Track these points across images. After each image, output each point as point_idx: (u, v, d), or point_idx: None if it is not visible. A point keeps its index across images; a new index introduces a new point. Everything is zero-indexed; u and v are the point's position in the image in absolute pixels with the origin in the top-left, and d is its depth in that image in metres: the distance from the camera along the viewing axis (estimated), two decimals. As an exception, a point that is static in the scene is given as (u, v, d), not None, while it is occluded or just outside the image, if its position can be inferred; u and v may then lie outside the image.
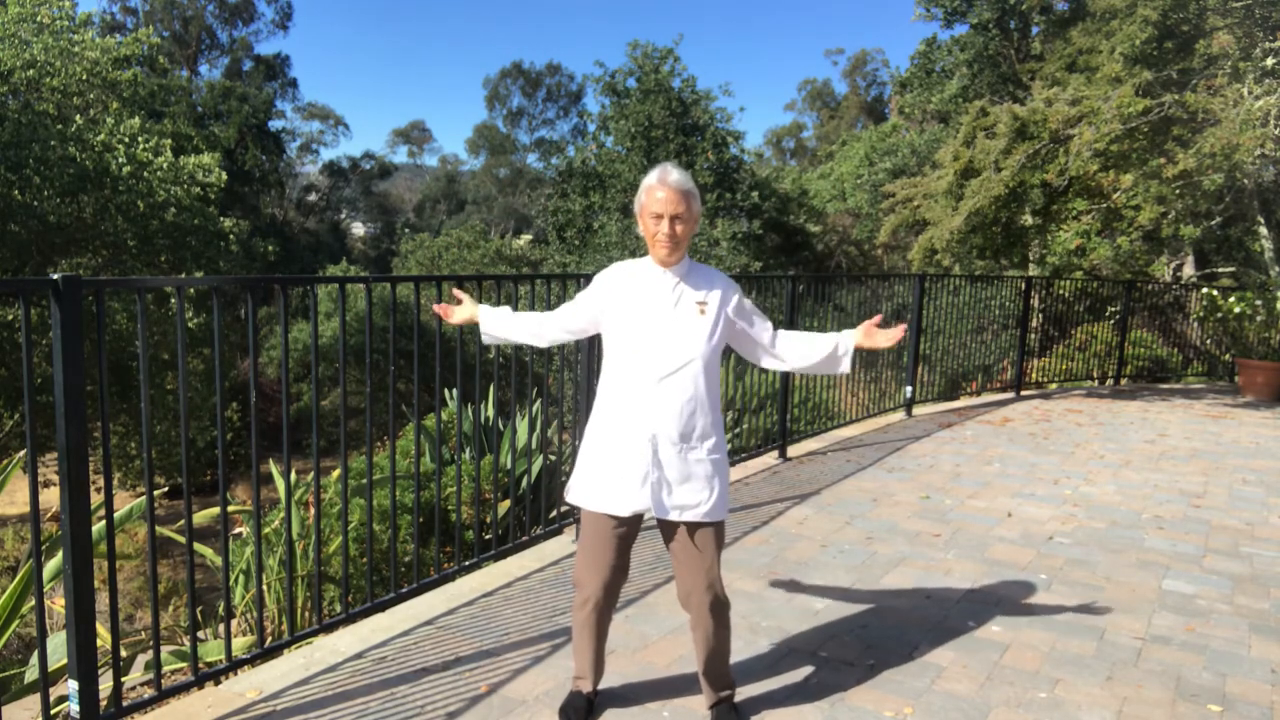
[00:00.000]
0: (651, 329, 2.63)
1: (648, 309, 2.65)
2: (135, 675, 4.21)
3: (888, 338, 2.77)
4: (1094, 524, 5.13)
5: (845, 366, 2.83)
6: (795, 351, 2.82)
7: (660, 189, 2.60)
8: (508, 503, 5.04)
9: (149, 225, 13.52)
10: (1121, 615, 3.79)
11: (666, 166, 2.65)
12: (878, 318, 2.84)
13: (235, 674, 3.05)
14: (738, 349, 2.84)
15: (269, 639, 3.54)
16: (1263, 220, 14.47)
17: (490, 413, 6.01)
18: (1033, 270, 11.85)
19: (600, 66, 21.72)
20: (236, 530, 5.97)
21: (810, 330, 3.19)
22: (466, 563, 4.02)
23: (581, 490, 2.74)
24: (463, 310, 3.05)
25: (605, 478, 2.67)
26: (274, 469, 5.93)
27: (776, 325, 2.92)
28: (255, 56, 42.46)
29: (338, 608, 3.58)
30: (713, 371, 2.67)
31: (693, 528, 2.66)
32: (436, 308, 3.15)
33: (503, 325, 2.98)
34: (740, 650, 3.25)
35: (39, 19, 13.32)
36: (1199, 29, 10.34)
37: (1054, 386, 10.89)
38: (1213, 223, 14.66)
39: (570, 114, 54.29)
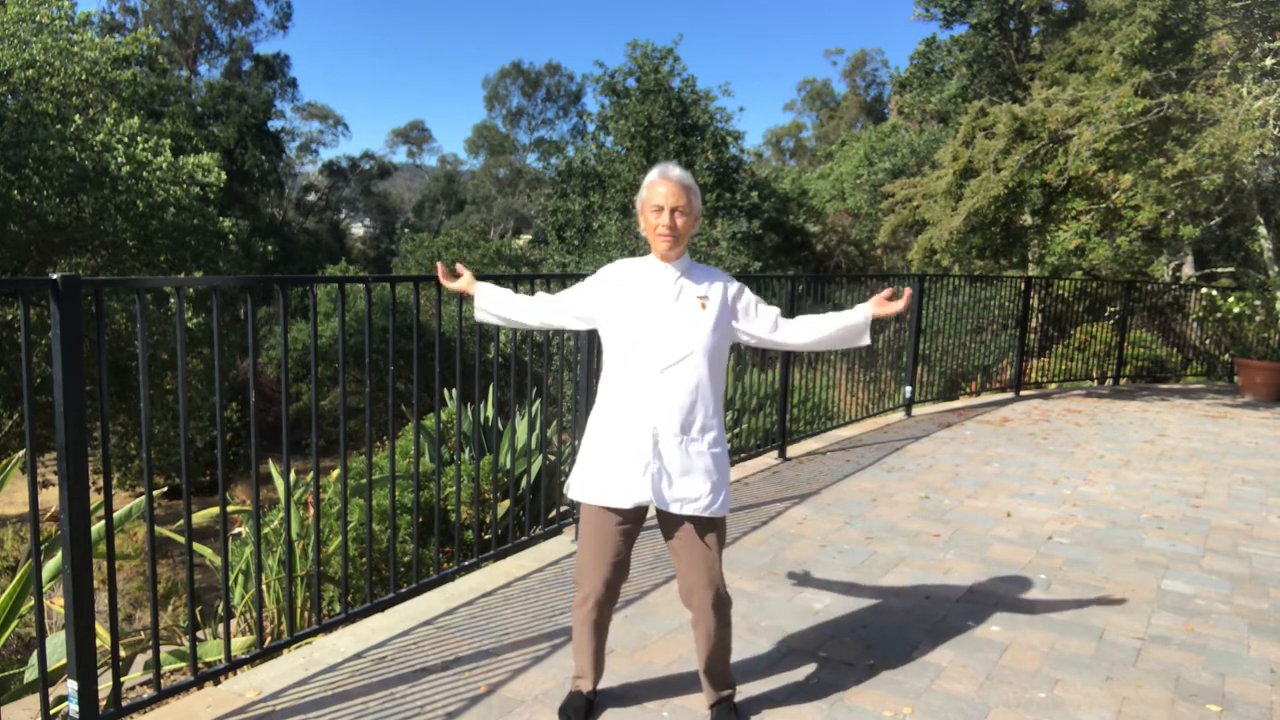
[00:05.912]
0: (653, 321, 2.63)
1: (649, 302, 2.66)
2: (134, 675, 4.22)
3: (899, 305, 2.80)
4: (1093, 524, 5.13)
5: (866, 337, 2.84)
6: (807, 330, 2.82)
7: (662, 184, 2.64)
8: (507, 503, 5.04)
9: (148, 225, 13.53)
10: (1120, 615, 3.79)
11: (668, 164, 2.71)
12: (888, 291, 2.84)
13: (234, 674, 3.05)
14: (748, 339, 2.81)
15: (268, 639, 3.55)
16: (1262, 220, 14.47)
17: (490, 413, 6.01)
18: (1032, 270, 11.84)
19: (600, 66, 21.69)
20: (236, 530, 5.97)
21: None
22: (466, 563, 4.02)
23: (582, 485, 2.73)
24: (460, 281, 3.01)
25: (605, 471, 2.67)
26: (273, 469, 5.93)
27: None
28: (255, 56, 42.46)
29: (337, 608, 3.58)
30: (715, 366, 2.67)
31: (694, 523, 2.66)
32: (439, 271, 3.08)
33: (503, 305, 2.93)
34: (740, 650, 3.25)
35: (38, 19, 13.32)
36: (1198, 29, 10.34)
37: (1053, 386, 10.90)
38: (1212, 223, 14.67)
39: (570, 114, 54.24)
